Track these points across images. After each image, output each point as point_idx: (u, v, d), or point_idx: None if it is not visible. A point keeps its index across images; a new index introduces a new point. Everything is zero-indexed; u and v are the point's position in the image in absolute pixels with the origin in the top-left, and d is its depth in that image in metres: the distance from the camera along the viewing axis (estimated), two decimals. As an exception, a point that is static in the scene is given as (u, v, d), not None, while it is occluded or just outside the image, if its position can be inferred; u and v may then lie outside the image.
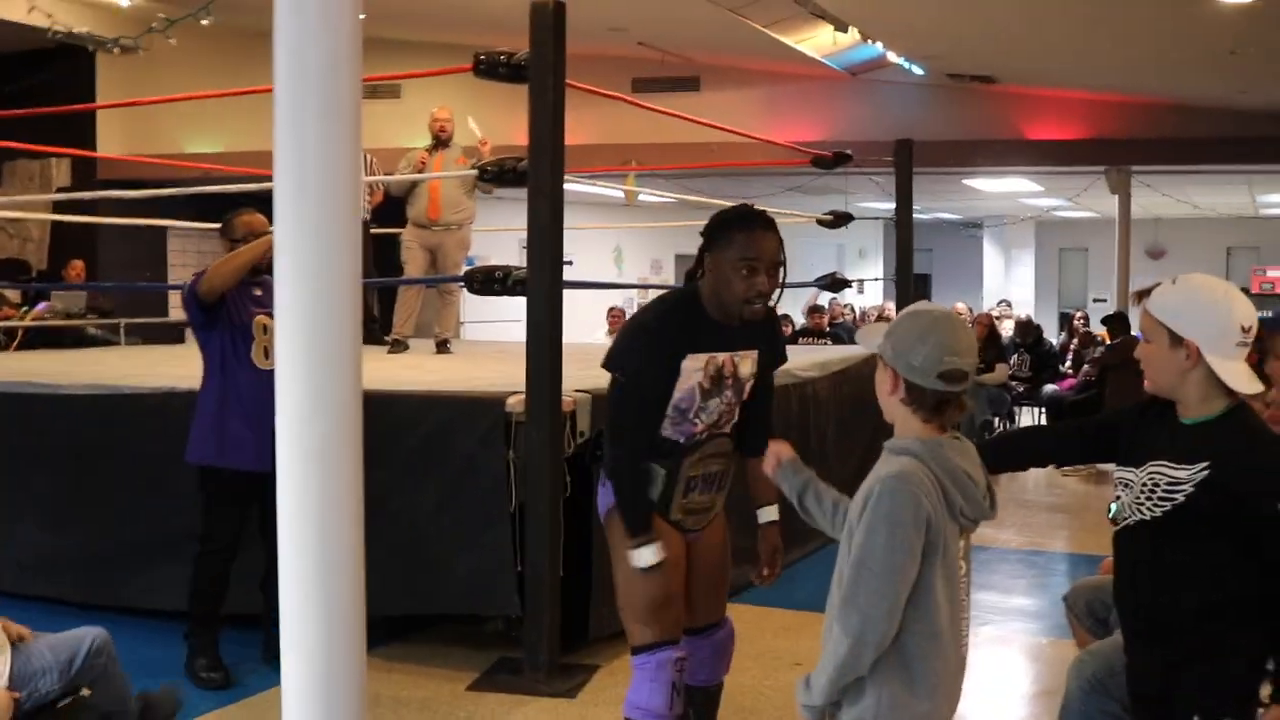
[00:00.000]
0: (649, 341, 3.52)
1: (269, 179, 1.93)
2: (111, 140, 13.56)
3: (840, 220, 10.23)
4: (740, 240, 3.44)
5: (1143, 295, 3.07)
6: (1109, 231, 20.45)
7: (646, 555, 3.56)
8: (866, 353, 9.46)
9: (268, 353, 5.10)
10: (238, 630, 5.28)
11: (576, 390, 5.45)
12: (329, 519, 1.86)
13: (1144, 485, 2.97)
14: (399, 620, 5.75)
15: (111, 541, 5.95)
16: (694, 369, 3.52)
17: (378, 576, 5.34)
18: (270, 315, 5.22)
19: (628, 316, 14.91)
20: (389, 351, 8.92)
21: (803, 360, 8.21)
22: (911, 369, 2.61)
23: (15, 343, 11.14)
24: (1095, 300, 20.33)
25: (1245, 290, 16.82)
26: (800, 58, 11.18)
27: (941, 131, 11.51)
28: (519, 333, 13.84)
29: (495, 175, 5.66)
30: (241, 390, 5.12)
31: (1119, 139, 11.70)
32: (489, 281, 5.51)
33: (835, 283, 10.42)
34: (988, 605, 6.47)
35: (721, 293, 3.49)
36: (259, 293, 5.22)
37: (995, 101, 12.07)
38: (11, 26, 12.00)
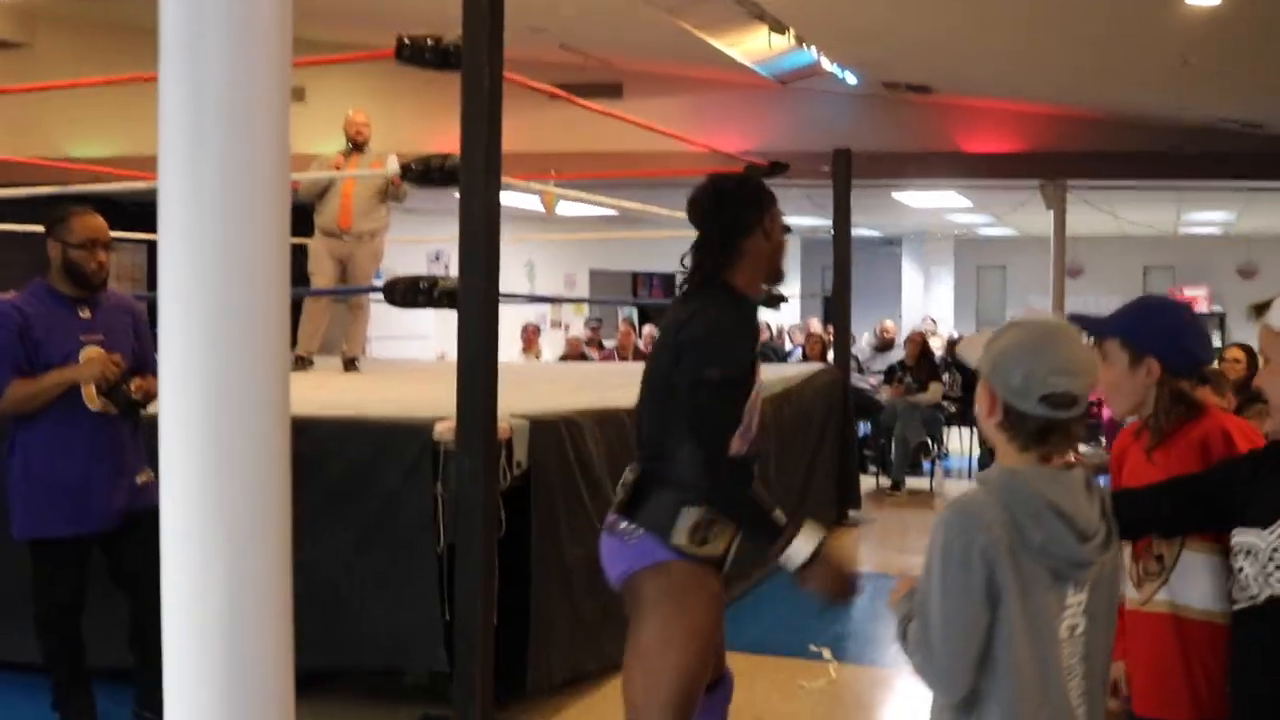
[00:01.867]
0: (747, 333, 3.19)
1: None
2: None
3: (776, 232, 9.76)
4: (775, 204, 3.25)
5: (1261, 310, 2.55)
6: (1027, 249, 20.40)
7: (806, 545, 3.01)
8: (807, 373, 9.03)
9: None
10: (113, 686, 4.57)
11: (513, 415, 4.86)
12: (246, 594, 1.28)
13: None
14: (307, 671, 5.10)
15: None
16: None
17: (285, 627, 4.75)
18: (105, 345, 4.54)
19: (541, 334, 14.56)
20: (292, 369, 8.28)
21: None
22: (1010, 389, 2.20)
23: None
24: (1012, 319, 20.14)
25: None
26: (729, 64, 10.70)
27: (874, 143, 11.09)
28: (426, 350, 13.04)
29: (420, 174, 5.04)
30: (74, 441, 4.34)
31: (1056, 152, 11.41)
32: (413, 292, 4.91)
33: (771, 298, 9.94)
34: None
35: (771, 262, 3.25)
36: (86, 315, 4.42)
37: (930, 113, 11.71)
38: None
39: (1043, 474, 2.21)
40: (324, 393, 6.57)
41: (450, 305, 4.76)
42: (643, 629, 3.09)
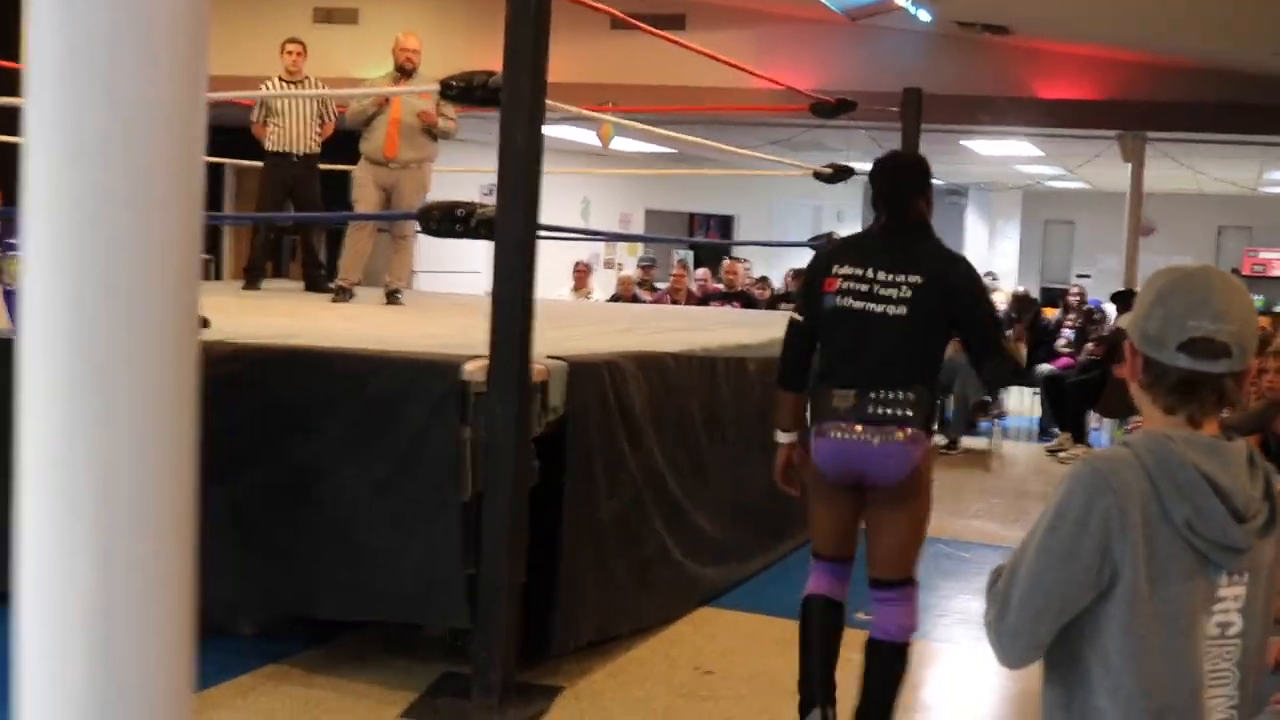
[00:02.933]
0: None
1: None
2: None
3: (840, 175, 9.34)
4: None
5: None
6: (1097, 204, 19.75)
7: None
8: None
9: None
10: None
11: (549, 356, 4.52)
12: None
13: None
14: (321, 620, 4.81)
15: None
16: None
17: (300, 571, 4.44)
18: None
19: (593, 273, 14.17)
20: (333, 300, 8.06)
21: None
22: (1148, 340, 1.88)
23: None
24: (1079, 276, 19.52)
25: (1236, 271, 15.97)
26: (797, -4, 10.25)
27: (946, 85, 10.56)
28: (478, 285, 12.68)
29: (461, 92, 4.69)
30: None
31: (1138, 101, 10.85)
32: (449, 220, 4.58)
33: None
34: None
35: None
36: None
37: (1006, 55, 11.16)
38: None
39: (1197, 440, 1.86)
40: (356, 324, 6.28)
41: (488, 236, 4.43)
42: (921, 497, 3.95)
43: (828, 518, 4.06)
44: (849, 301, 3.84)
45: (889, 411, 3.79)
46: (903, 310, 3.78)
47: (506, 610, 4.23)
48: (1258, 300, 17.10)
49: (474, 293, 12.51)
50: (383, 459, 4.36)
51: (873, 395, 3.80)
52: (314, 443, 4.44)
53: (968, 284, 3.90)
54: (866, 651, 4.04)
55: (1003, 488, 9.41)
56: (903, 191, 3.97)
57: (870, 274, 3.84)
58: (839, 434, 3.83)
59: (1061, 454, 10.40)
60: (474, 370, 4.29)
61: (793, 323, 4.06)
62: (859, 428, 3.81)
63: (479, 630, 4.26)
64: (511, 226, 4.27)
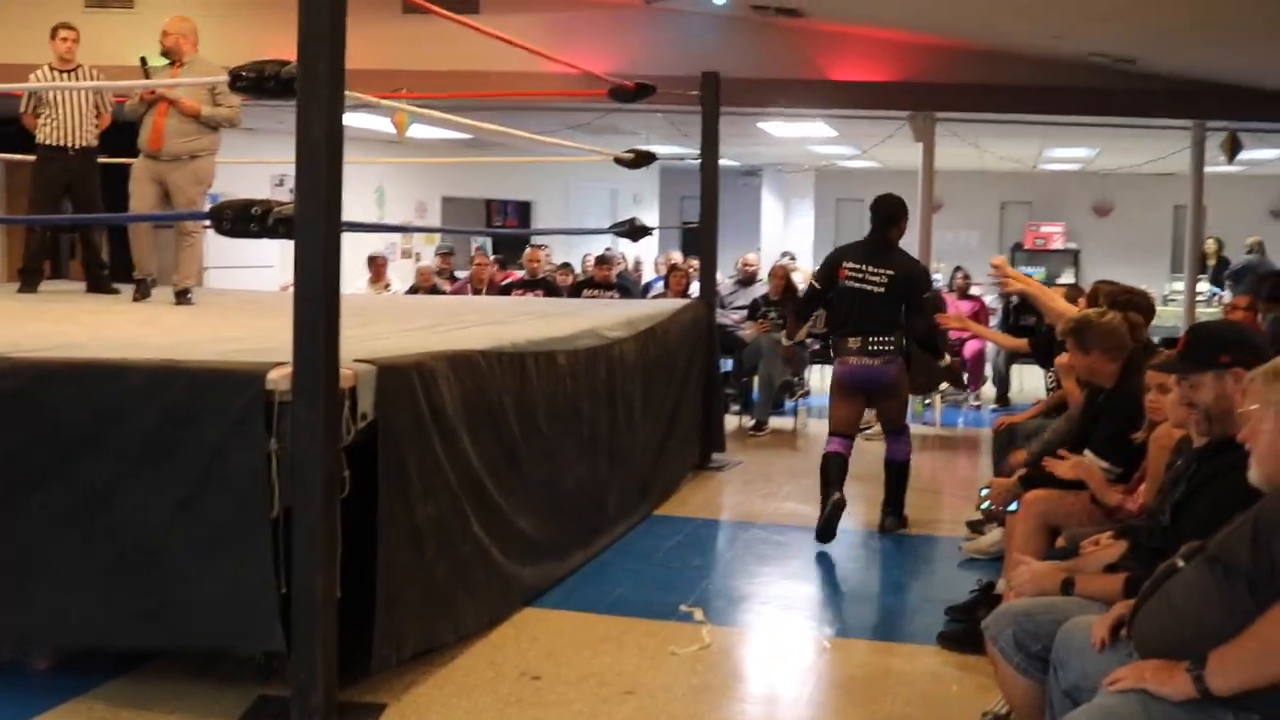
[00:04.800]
0: None
1: None
2: None
3: (641, 160, 9.30)
4: None
5: None
6: (887, 182, 19.99)
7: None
8: (672, 309, 8.58)
9: None
10: None
11: (357, 360, 4.31)
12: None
13: None
14: (120, 652, 4.51)
15: None
16: None
17: (96, 599, 4.14)
18: None
19: (390, 264, 13.85)
20: (134, 297, 7.80)
21: (607, 318, 7.20)
22: None
23: None
24: (872, 253, 19.95)
25: (1018, 246, 16.73)
26: (592, -20, 10.11)
27: (741, 68, 10.59)
28: (270, 280, 12.21)
29: (252, 83, 4.43)
30: None
31: (927, 82, 11.07)
32: (244, 220, 4.31)
33: (635, 230, 9.51)
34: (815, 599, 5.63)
35: None
36: None
37: (799, 38, 11.24)
38: None
39: None
40: (149, 329, 5.94)
41: (286, 235, 4.19)
42: (900, 393, 7.00)
43: (842, 410, 6.94)
44: (852, 284, 6.78)
45: (880, 348, 6.71)
46: (881, 289, 6.71)
47: (324, 628, 4.02)
48: (1038, 274, 17.73)
49: (269, 289, 12.11)
50: (182, 476, 4.09)
51: (871, 339, 6.73)
52: (104, 463, 4.13)
53: (918, 279, 6.91)
54: (886, 468, 7.18)
55: (811, 468, 9.35)
56: (885, 221, 6.82)
57: (863, 267, 6.77)
58: (853, 360, 6.79)
59: (868, 431, 10.55)
60: (278, 379, 4.05)
61: (811, 286, 7.27)
62: (865, 359, 6.74)
63: (296, 651, 4.04)
64: (313, 225, 4.04)
